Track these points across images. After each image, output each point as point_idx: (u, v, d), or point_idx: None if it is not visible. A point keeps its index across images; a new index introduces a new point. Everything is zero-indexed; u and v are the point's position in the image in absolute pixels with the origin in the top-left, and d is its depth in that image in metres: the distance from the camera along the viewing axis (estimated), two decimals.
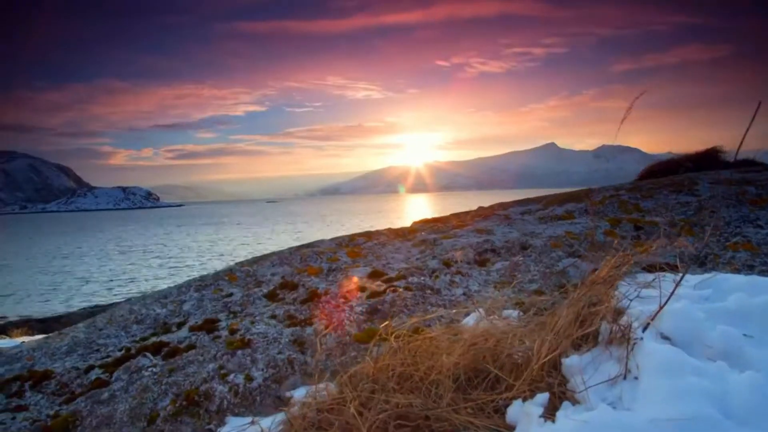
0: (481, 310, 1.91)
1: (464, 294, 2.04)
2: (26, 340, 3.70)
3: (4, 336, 15.21)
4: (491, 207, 3.53)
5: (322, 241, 3.27)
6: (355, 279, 2.25)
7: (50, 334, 2.90)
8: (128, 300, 3.37)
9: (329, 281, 2.29)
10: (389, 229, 3.45)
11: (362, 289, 2.10)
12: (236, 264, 3.49)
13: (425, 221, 3.66)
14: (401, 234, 3.23)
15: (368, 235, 3.23)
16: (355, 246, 2.76)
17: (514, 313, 1.91)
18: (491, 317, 1.86)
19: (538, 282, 2.10)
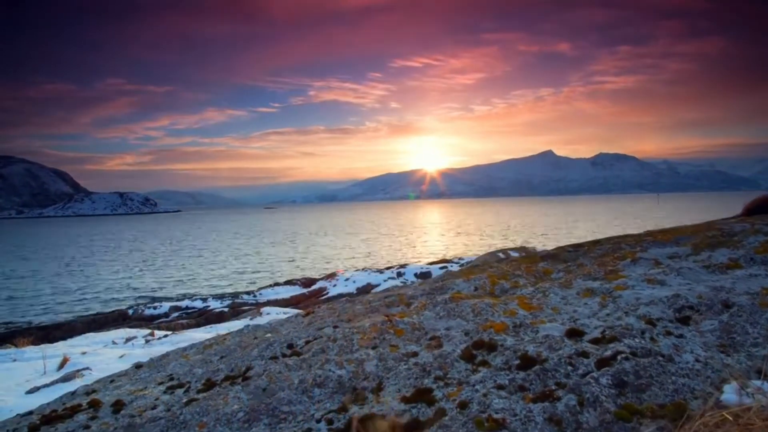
0: (736, 382, 1.80)
1: (696, 360, 1.93)
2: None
3: (10, 345, 14.57)
4: (616, 246, 3.43)
5: (455, 283, 3.13)
6: (557, 339, 2.12)
7: (188, 388, 2.66)
8: (260, 346, 3.15)
9: (528, 341, 2.15)
10: (516, 266, 3.34)
11: (584, 354, 1.96)
12: (359, 303, 3.32)
13: (541, 258, 3.56)
14: (539, 276, 3.11)
15: (504, 275, 3.11)
16: (520, 296, 2.63)
17: (766, 385, 1.81)
18: (749, 390, 1.76)
19: (763, 346, 2.00)
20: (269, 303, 24.38)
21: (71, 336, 18.02)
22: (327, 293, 26.84)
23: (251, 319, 18.47)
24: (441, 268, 28.24)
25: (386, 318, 2.56)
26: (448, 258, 31.17)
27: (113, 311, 22.11)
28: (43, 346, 13.65)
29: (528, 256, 3.72)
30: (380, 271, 29.53)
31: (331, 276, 29.91)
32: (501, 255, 24.32)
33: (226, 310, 23.39)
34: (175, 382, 2.98)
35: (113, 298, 24.81)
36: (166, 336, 14.39)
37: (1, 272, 35.04)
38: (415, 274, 28.54)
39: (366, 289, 26.69)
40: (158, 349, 11.43)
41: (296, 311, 19.59)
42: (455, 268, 27.67)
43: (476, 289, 2.95)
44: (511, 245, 30.82)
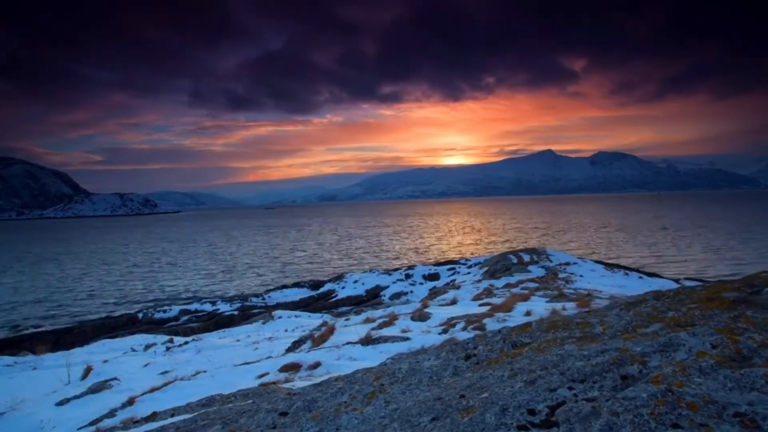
0: None
1: None
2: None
3: (27, 352, 13.93)
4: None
5: (680, 337, 2.93)
6: None
7: None
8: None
9: None
10: (705, 308, 3.17)
11: None
12: (573, 358, 3.10)
13: (731, 303, 3.40)
14: (765, 329, 2.95)
15: (732, 330, 2.94)
16: None
17: None
18: None
19: None
20: (279, 306, 23.96)
21: (83, 341, 17.38)
22: (336, 295, 26.55)
23: (264, 322, 18.05)
24: (449, 269, 28.19)
25: (663, 386, 2.35)
26: (455, 259, 31.19)
27: (122, 315, 21.48)
28: (61, 353, 13.04)
29: (709, 296, 3.55)
30: (388, 273, 29.33)
31: (339, 278, 29.65)
32: (512, 257, 24.38)
33: (235, 313, 22.92)
34: None
35: (119, 302, 24.08)
36: (186, 343, 13.85)
37: (4, 274, 33.80)
38: (424, 276, 28.43)
39: (375, 292, 26.48)
40: (181, 356, 10.97)
41: (308, 314, 19.17)
42: (463, 269, 27.63)
43: (714, 347, 2.75)
44: (518, 246, 31.02)
